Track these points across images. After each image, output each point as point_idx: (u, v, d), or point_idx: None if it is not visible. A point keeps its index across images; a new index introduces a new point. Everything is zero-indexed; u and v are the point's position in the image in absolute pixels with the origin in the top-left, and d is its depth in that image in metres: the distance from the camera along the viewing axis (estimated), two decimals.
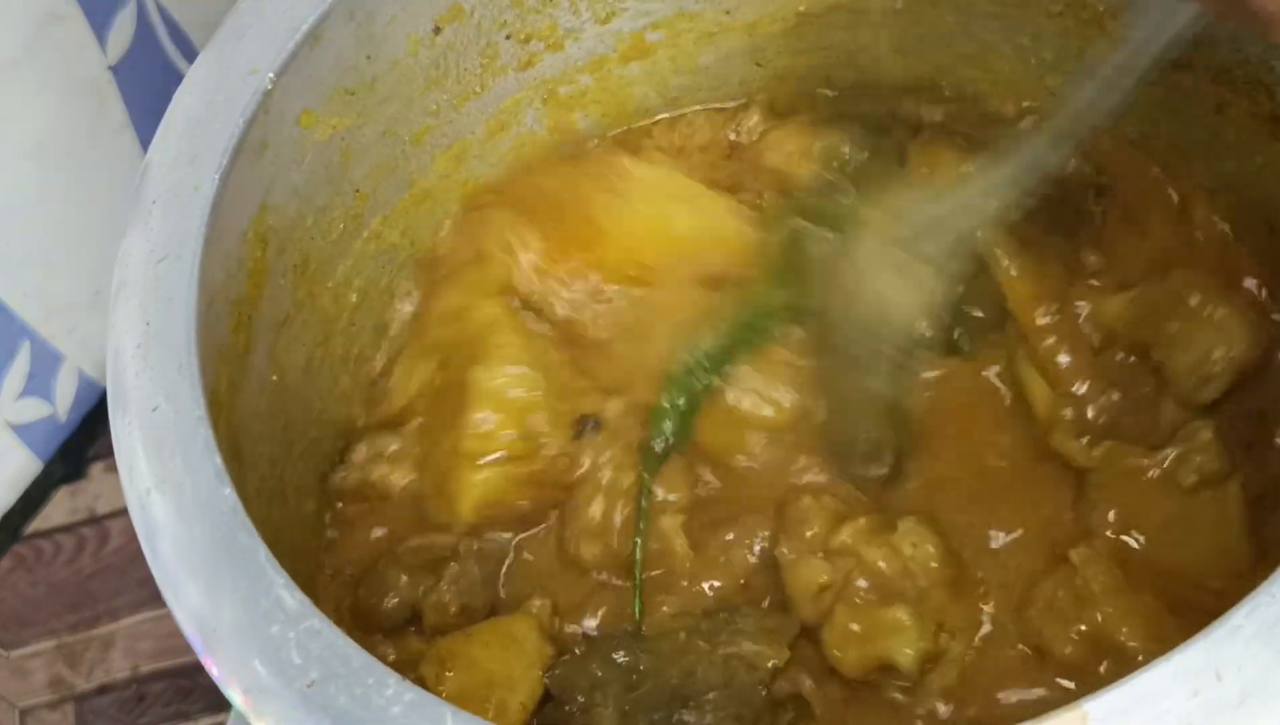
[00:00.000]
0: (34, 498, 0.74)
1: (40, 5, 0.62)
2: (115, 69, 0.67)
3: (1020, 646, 0.49)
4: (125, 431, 0.41)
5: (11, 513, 0.73)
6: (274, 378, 0.50)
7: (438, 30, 0.53)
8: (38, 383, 0.71)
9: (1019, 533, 0.51)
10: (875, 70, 0.62)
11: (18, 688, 0.69)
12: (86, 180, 0.67)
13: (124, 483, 0.41)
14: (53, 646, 0.70)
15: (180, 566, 0.38)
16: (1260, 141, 0.52)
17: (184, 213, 0.45)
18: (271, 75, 0.47)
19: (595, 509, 0.53)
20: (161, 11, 0.68)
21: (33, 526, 0.73)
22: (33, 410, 0.72)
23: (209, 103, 0.47)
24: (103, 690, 0.69)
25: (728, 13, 0.61)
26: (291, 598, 0.37)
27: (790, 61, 0.63)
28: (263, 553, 0.38)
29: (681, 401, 0.54)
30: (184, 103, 0.48)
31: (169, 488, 0.40)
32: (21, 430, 0.72)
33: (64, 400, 0.73)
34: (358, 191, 0.54)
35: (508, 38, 0.57)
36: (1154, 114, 0.56)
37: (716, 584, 0.52)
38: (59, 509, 0.74)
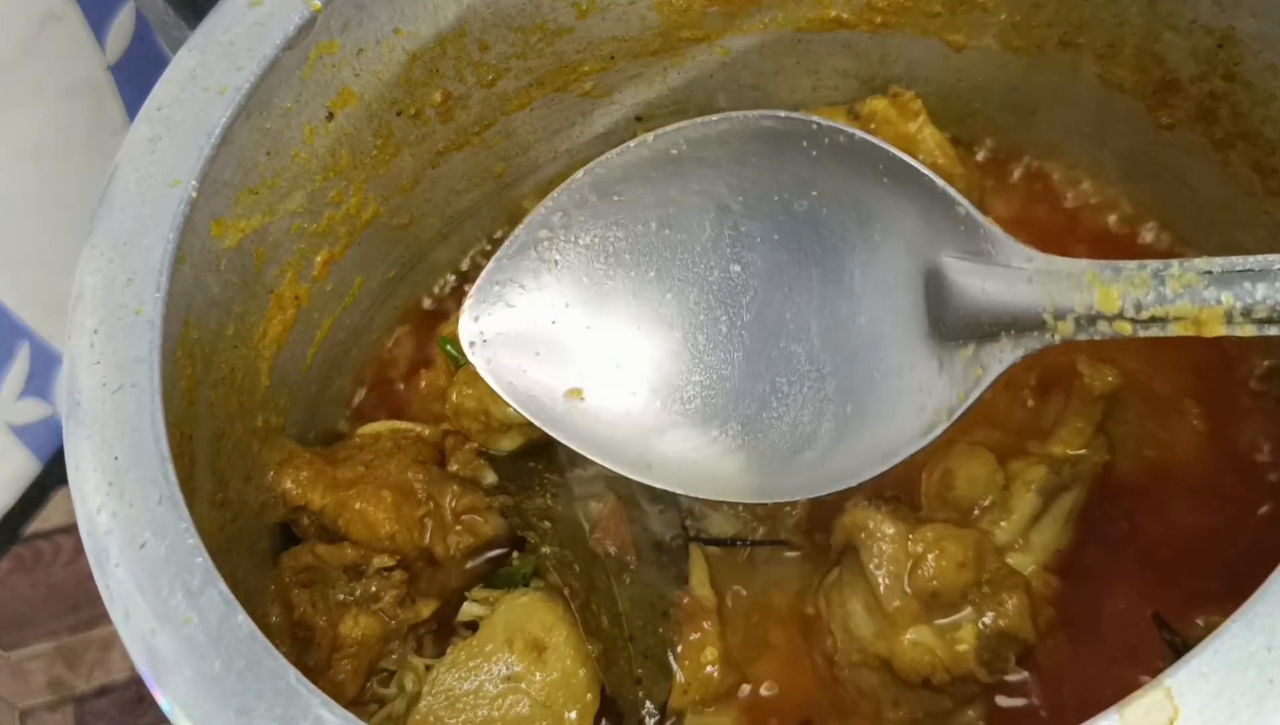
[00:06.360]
0: (33, 499, 0.74)
1: (39, 6, 0.62)
2: (114, 69, 0.67)
3: None
4: (114, 574, 0.39)
5: (11, 514, 0.73)
6: (219, 494, 0.48)
7: (330, 116, 0.51)
8: (37, 383, 0.71)
9: None
10: None
11: (17, 689, 0.69)
12: (86, 180, 0.67)
13: (120, 627, 0.39)
14: (52, 648, 0.70)
15: (203, 702, 0.37)
16: None
17: (131, 338, 0.43)
18: (194, 184, 0.45)
19: None
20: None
21: (32, 527, 0.73)
22: (32, 411, 0.72)
23: (136, 218, 0.45)
24: (102, 691, 0.69)
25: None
26: (332, 715, 0.36)
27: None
28: (292, 674, 0.37)
29: None
30: (109, 221, 0.45)
31: (174, 626, 0.38)
32: (21, 431, 0.72)
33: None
34: (272, 293, 0.52)
35: (399, 114, 0.54)
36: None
37: None
38: (58, 510, 0.74)
